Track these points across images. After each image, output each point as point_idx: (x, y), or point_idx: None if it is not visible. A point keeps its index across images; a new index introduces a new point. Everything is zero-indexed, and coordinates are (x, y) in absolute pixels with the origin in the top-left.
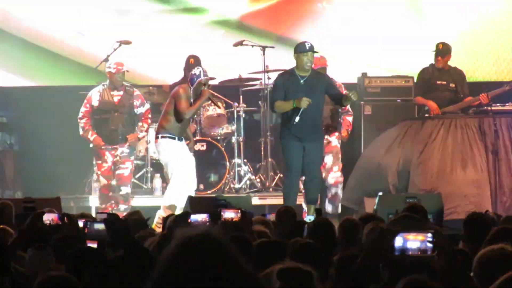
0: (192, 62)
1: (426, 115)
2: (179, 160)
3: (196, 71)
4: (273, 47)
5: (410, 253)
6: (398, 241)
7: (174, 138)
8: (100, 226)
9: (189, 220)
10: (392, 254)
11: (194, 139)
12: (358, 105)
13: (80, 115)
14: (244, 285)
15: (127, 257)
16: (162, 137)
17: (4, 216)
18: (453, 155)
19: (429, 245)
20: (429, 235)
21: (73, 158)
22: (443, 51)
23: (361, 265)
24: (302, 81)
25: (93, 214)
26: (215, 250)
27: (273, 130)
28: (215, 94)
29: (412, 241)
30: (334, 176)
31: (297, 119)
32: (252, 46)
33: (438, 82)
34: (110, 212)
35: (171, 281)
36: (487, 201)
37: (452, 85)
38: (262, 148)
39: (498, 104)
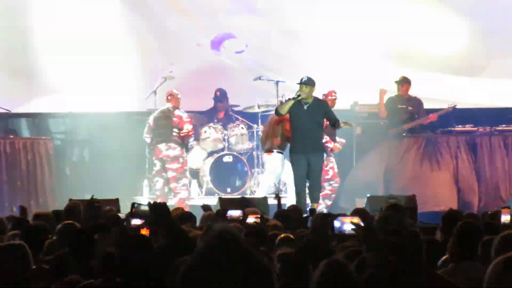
0: (218, 94)
1: (404, 134)
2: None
3: None
4: (284, 82)
5: (346, 232)
6: (336, 223)
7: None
8: (144, 208)
9: (227, 215)
10: (332, 232)
11: (223, 153)
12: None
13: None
14: (252, 265)
15: (167, 235)
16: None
17: (75, 213)
18: (425, 163)
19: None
20: (355, 219)
21: (129, 168)
22: (401, 82)
23: (309, 241)
24: (305, 106)
25: None
26: (234, 241)
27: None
28: (240, 118)
29: (347, 224)
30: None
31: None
32: (268, 80)
33: (399, 106)
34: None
35: (205, 261)
36: (453, 200)
37: (410, 108)
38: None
39: (459, 126)
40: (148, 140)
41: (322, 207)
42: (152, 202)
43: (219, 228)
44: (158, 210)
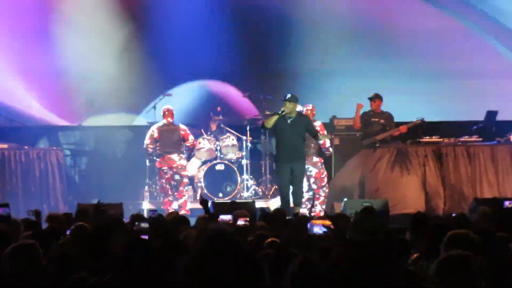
0: (219, 109)
1: (377, 145)
2: None
3: None
4: (270, 97)
5: (314, 233)
6: (309, 226)
7: None
8: (145, 225)
9: (218, 219)
10: (306, 233)
11: (215, 162)
12: (330, 139)
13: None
14: (243, 260)
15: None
16: None
17: (85, 215)
18: (395, 170)
19: (326, 229)
20: (327, 223)
21: (131, 176)
22: (373, 98)
23: (285, 241)
24: (289, 120)
25: (145, 214)
26: (228, 239)
27: (270, 155)
28: (231, 130)
29: (317, 226)
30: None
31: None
32: (257, 96)
33: (372, 120)
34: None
35: (203, 257)
36: (421, 203)
37: (382, 121)
38: (262, 168)
39: (427, 137)
40: (150, 150)
41: (304, 211)
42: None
43: (215, 227)
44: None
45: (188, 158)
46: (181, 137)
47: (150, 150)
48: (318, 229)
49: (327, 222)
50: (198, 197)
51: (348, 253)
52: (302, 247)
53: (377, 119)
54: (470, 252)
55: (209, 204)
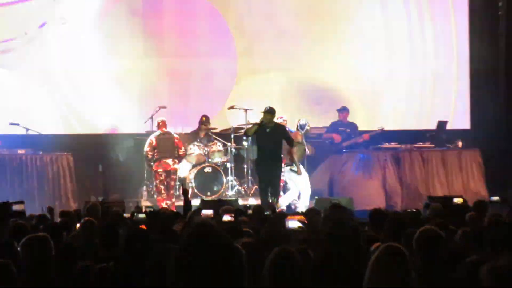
0: (204, 119)
1: (344, 150)
2: None
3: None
4: (251, 109)
5: (290, 227)
6: (286, 221)
7: None
8: (142, 215)
9: (201, 213)
10: (284, 227)
11: (204, 165)
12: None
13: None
14: (224, 249)
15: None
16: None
17: (95, 211)
18: (359, 172)
19: (301, 224)
20: (301, 218)
21: (131, 177)
22: (341, 110)
23: (266, 233)
24: (267, 129)
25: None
26: (211, 230)
27: (252, 160)
28: (217, 138)
29: (292, 221)
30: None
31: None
32: (239, 108)
33: (340, 128)
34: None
35: (190, 246)
36: (381, 201)
37: (347, 130)
38: (245, 170)
39: (387, 143)
40: (150, 156)
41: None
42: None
43: (200, 220)
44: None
45: (179, 162)
46: (176, 144)
47: (150, 156)
48: (293, 224)
49: (301, 218)
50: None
51: (320, 242)
52: (281, 240)
53: (343, 128)
54: (438, 245)
55: (198, 201)
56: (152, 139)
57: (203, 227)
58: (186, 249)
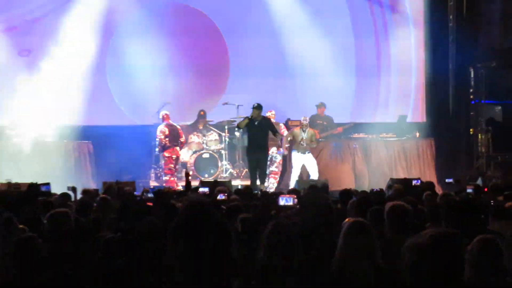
0: (202, 113)
1: (320, 139)
2: None
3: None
4: (242, 105)
5: (284, 204)
6: (279, 199)
7: None
8: (150, 195)
9: (199, 191)
10: (277, 205)
11: (202, 151)
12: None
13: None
14: (216, 225)
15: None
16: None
17: (111, 191)
18: (333, 158)
19: (295, 200)
20: (295, 196)
21: (141, 161)
22: (319, 105)
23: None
24: (256, 122)
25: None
26: (203, 208)
27: (243, 148)
28: (214, 128)
29: (286, 198)
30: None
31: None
32: (232, 104)
33: (317, 121)
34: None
35: (184, 221)
36: (351, 182)
37: (325, 123)
38: (236, 156)
39: (356, 134)
40: (163, 143)
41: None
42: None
43: (194, 198)
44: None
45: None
46: (179, 134)
47: (164, 143)
48: (284, 201)
49: (293, 195)
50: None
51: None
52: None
53: (321, 121)
54: (405, 217)
55: (198, 182)
56: (164, 129)
57: (196, 203)
58: (181, 222)
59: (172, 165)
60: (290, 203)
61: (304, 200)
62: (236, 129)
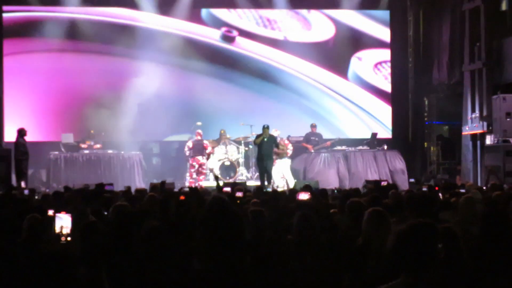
0: (223, 132)
1: (312, 151)
2: None
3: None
4: (253, 125)
5: (300, 199)
6: (299, 195)
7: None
8: (186, 189)
9: (223, 190)
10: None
11: (224, 160)
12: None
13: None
14: (235, 219)
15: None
16: None
17: (156, 189)
18: (322, 165)
19: (309, 196)
20: (309, 193)
21: (178, 167)
22: (312, 126)
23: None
24: (265, 139)
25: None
26: (223, 203)
27: (255, 157)
28: (233, 143)
29: (302, 194)
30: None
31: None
32: (247, 124)
33: (311, 138)
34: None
35: (209, 213)
36: (336, 183)
37: (316, 139)
38: (250, 164)
39: (340, 147)
40: (187, 154)
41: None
42: (190, 188)
43: (216, 195)
44: (192, 191)
45: (207, 158)
46: (204, 147)
47: (187, 154)
48: (303, 196)
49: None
50: (213, 177)
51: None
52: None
53: (314, 137)
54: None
55: (220, 181)
56: (189, 143)
57: (219, 200)
58: (207, 215)
59: (193, 170)
60: (306, 197)
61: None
62: (252, 144)
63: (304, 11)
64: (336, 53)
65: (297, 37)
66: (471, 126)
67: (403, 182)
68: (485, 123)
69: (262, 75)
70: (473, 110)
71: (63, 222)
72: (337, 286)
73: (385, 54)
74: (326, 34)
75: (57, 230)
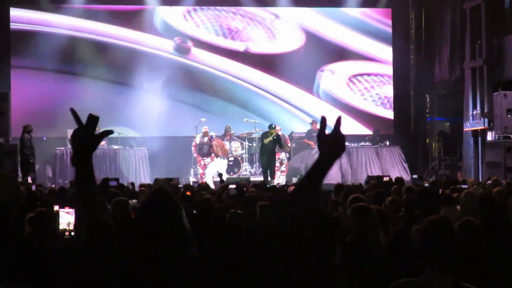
0: (228, 128)
1: (314, 147)
2: None
3: None
4: (258, 121)
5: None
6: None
7: None
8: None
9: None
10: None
11: (229, 156)
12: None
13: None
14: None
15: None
16: None
17: (159, 184)
18: None
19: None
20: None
21: (183, 164)
22: (312, 122)
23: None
24: (271, 137)
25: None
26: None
27: (258, 153)
28: (237, 139)
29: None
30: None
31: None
32: (251, 120)
33: (313, 134)
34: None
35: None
36: (339, 178)
37: None
38: (254, 159)
39: None
40: (192, 150)
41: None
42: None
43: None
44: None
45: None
46: (209, 151)
47: (194, 150)
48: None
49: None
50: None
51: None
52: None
53: (315, 134)
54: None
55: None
56: (197, 139)
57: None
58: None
59: (199, 165)
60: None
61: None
62: (263, 143)
63: (270, 19)
64: (304, 65)
65: (260, 48)
66: (472, 123)
67: (405, 178)
68: (486, 120)
69: (215, 89)
70: (474, 107)
71: (68, 217)
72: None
73: (363, 66)
74: (293, 44)
75: (62, 225)
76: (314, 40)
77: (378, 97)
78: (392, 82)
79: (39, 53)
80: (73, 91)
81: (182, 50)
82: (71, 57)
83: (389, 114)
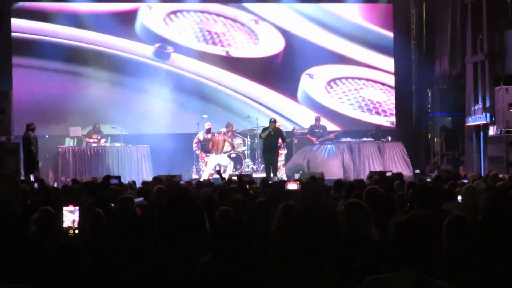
0: (228, 124)
1: (316, 143)
2: None
3: None
4: (258, 118)
5: (290, 189)
6: (287, 185)
7: None
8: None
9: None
10: (284, 189)
11: (231, 152)
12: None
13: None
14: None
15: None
16: None
17: (160, 181)
18: (326, 156)
19: (298, 186)
20: (298, 182)
21: (185, 160)
22: (316, 119)
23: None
24: (272, 132)
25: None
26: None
27: (260, 149)
28: (239, 135)
29: (292, 184)
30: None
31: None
32: (252, 117)
33: (315, 130)
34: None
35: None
36: (341, 174)
37: (320, 131)
38: (256, 156)
39: (344, 138)
40: (194, 148)
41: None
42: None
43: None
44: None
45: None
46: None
47: (196, 147)
48: (292, 186)
49: (297, 182)
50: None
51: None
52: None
53: (317, 130)
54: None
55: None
56: (200, 135)
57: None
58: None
59: (202, 162)
60: (295, 187)
61: (306, 186)
62: (260, 138)
63: (252, 23)
64: (285, 69)
65: (241, 52)
66: (474, 117)
67: (407, 173)
68: (488, 114)
69: (198, 94)
70: (476, 102)
71: (71, 215)
72: (316, 277)
73: (342, 70)
74: (274, 48)
75: (65, 223)
76: (293, 43)
77: (373, 105)
78: (394, 92)
79: (40, 52)
80: (75, 89)
81: (162, 55)
82: (71, 57)
83: (387, 119)
